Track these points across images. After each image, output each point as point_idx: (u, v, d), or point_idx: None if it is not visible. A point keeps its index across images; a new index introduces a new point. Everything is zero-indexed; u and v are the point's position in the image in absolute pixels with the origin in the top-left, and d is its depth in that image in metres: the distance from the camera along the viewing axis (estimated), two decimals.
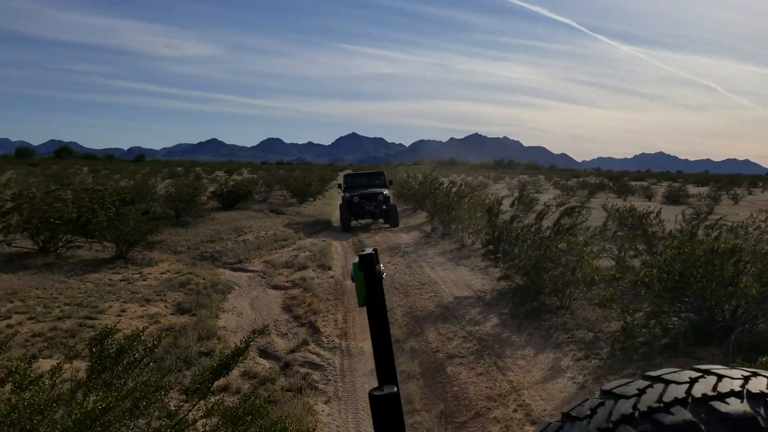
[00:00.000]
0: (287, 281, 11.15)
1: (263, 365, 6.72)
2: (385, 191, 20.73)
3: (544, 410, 5.07)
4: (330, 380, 6.42)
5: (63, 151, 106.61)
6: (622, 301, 6.69)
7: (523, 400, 5.29)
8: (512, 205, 22.57)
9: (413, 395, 5.70)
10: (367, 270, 1.48)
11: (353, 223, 19.53)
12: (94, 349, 2.68)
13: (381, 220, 20.42)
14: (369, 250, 1.51)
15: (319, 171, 56.44)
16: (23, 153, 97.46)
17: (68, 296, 8.48)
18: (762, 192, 46.23)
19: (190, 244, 14.31)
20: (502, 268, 9.04)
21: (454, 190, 17.96)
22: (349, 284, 11.07)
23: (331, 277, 11.43)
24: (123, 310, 8.00)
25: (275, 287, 10.81)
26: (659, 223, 12.06)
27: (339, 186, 22.04)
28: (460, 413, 5.23)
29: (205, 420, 2.58)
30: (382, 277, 1.51)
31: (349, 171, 27.82)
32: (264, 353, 7.19)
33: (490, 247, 9.77)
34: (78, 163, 68.62)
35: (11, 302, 7.98)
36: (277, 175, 38.21)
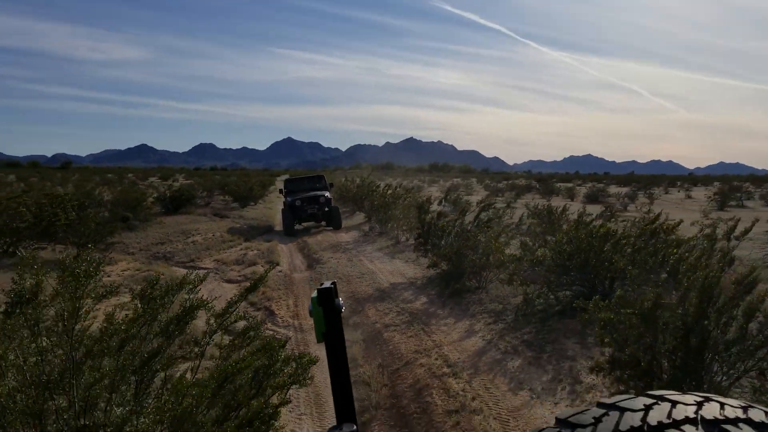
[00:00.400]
0: (239, 275, 12.36)
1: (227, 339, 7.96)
2: (327, 194, 20.95)
3: (459, 359, 6.58)
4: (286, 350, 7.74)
5: None
6: (523, 277, 8.33)
7: (443, 353, 6.79)
8: (440, 203, 24.49)
9: (357, 355, 7.12)
10: (326, 304, 1.46)
11: (296, 226, 19.95)
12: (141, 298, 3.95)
13: (323, 223, 20.71)
14: (328, 284, 1.50)
15: (257, 176, 57.08)
16: None
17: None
18: (678, 191, 50.18)
19: (142, 246, 15.22)
20: (431, 257, 10.61)
21: (389, 192, 19.51)
22: (297, 276, 12.39)
23: (280, 271, 12.71)
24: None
25: (229, 281, 12.01)
26: (565, 217, 14.00)
27: (280, 191, 22.37)
28: (394, 364, 6.69)
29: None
30: (341, 311, 1.47)
31: (288, 176, 28.17)
32: (228, 331, 8.42)
33: (421, 239, 11.32)
34: (2, 170, 65.97)
35: None
36: (214, 180, 38.84)
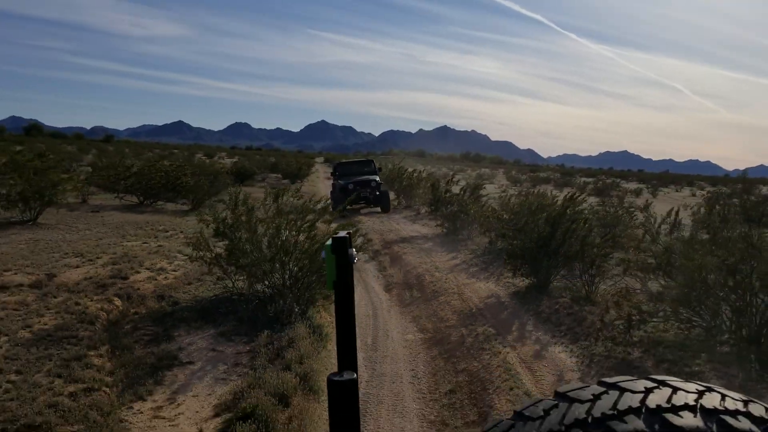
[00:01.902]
0: None
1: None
2: (377, 178, 22.13)
3: (443, 267, 11.83)
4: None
5: (32, 129, 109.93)
6: (492, 230, 13.52)
7: (435, 264, 12.07)
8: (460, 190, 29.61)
9: (386, 264, 12.48)
10: (339, 253, 1.53)
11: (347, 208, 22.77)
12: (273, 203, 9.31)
13: (372, 206, 21.91)
14: (343, 233, 1.59)
15: (296, 158, 62.74)
16: None
17: (171, 224, 14.90)
18: (689, 190, 54.22)
19: (219, 210, 20.77)
20: (438, 219, 15.91)
21: (415, 175, 24.77)
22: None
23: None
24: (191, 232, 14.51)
25: None
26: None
27: (332, 173, 24.03)
28: (406, 267, 12.01)
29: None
30: (354, 262, 1.54)
31: (323, 159, 30.45)
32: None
33: (433, 207, 16.60)
34: (50, 141, 72.26)
35: (145, 226, 14.44)
36: (264, 160, 44.56)
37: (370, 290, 10.35)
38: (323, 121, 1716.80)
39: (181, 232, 13.51)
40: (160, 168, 17.41)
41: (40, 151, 15.91)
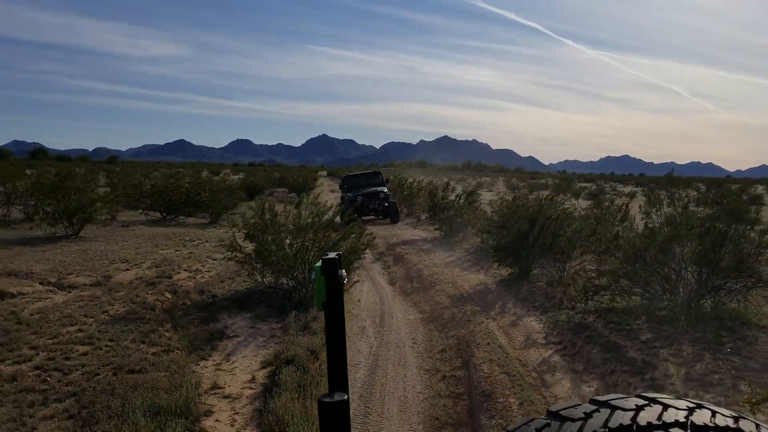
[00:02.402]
0: None
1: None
2: (385, 189, 22.42)
3: (440, 263, 13.50)
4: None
5: (38, 152, 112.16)
6: (482, 230, 15.18)
7: (433, 261, 13.74)
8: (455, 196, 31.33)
9: (390, 263, 14.16)
10: (329, 274, 1.50)
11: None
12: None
13: (381, 218, 22.23)
14: (332, 255, 1.55)
15: (299, 172, 64.60)
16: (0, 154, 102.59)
17: (196, 235, 16.61)
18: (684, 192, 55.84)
19: (248, 217, 22.49)
20: (436, 223, 17.60)
21: (415, 185, 26.48)
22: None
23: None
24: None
25: None
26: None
27: (340, 186, 24.44)
28: (407, 265, 13.69)
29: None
30: (344, 283, 1.52)
31: (349, 173, 30.53)
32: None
33: (431, 212, 18.31)
34: (56, 164, 74.00)
35: (174, 237, 16.14)
36: (271, 176, 46.47)
37: (376, 284, 12.03)
38: (324, 135, 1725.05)
39: (207, 241, 15.24)
40: (181, 186, 19.18)
41: (66, 173, 17.64)
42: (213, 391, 6.00)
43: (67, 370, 5.96)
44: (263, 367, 6.76)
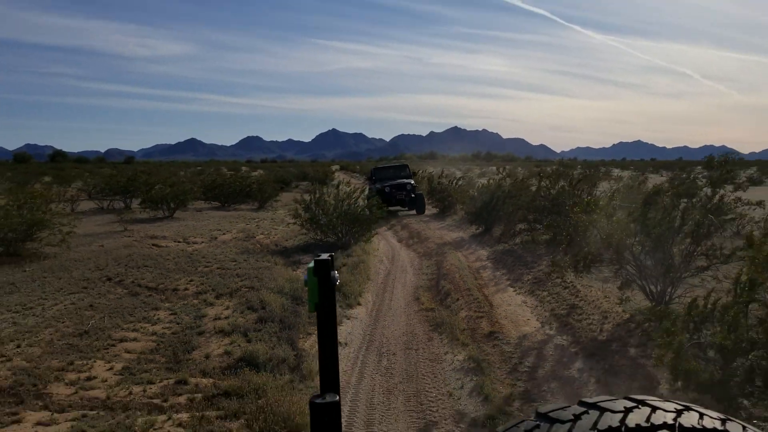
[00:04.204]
0: None
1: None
2: (412, 181, 23.97)
3: (434, 228, 19.39)
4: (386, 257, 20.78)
5: (57, 155, 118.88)
6: (468, 206, 21.04)
7: (429, 227, 19.65)
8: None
9: (398, 230, 20.11)
10: (321, 276, 1.55)
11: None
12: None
13: (408, 209, 23.95)
14: (324, 256, 1.60)
15: (313, 167, 70.59)
16: (21, 158, 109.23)
17: (250, 217, 22.54)
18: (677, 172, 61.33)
19: (287, 201, 28.51)
20: (435, 203, 23.55)
21: (420, 173, 32.34)
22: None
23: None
24: (273, 220, 22.26)
25: None
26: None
27: (368, 178, 26.56)
28: (411, 230, 19.63)
29: None
30: (336, 284, 1.57)
31: (377, 165, 32.24)
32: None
33: (429, 195, 24.24)
34: (76, 165, 79.00)
35: (237, 217, 22.13)
36: (280, 172, 52.62)
37: (389, 242, 17.94)
38: (334, 130, 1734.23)
39: (263, 219, 21.29)
40: (235, 180, 25.21)
41: (132, 174, 23.71)
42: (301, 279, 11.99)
43: (231, 271, 11.93)
44: None
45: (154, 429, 4.99)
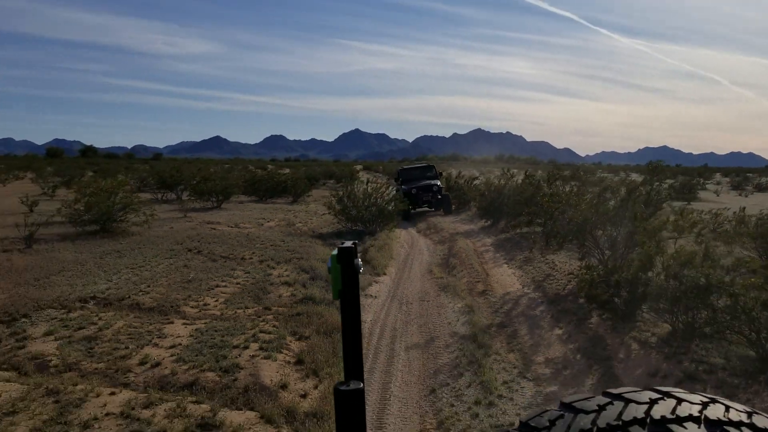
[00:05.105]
0: None
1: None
2: (438, 182, 24.38)
3: (449, 221, 22.31)
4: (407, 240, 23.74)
5: (87, 151, 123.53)
6: (480, 203, 23.90)
7: (444, 220, 22.58)
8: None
9: (418, 222, 23.10)
10: (345, 263, 1.57)
11: (411, 212, 23.76)
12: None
13: (433, 209, 24.52)
14: (348, 243, 1.61)
15: (337, 167, 73.62)
16: (53, 153, 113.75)
17: (287, 209, 25.62)
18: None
19: (317, 196, 31.60)
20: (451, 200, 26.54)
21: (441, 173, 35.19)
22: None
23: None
24: (307, 212, 25.33)
25: None
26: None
27: (396, 179, 26.88)
28: (429, 222, 22.59)
29: None
30: (360, 272, 1.59)
31: (403, 166, 31.98)
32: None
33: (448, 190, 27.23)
34: (108, 161, 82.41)
35: (275, 209, 25.22)
36: (305, 170, 55.83)
37: (409, 231, 20.89)
38: (357, 130, 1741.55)
39: (298, 212, 24.39)
40: (271, 176, 28.38)
41: (177, 168, 26.93)
42: None
43: (282, 248, 14.96)
44: None
45: (258, 327, 8.03)
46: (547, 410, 1.11)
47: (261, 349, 7.16)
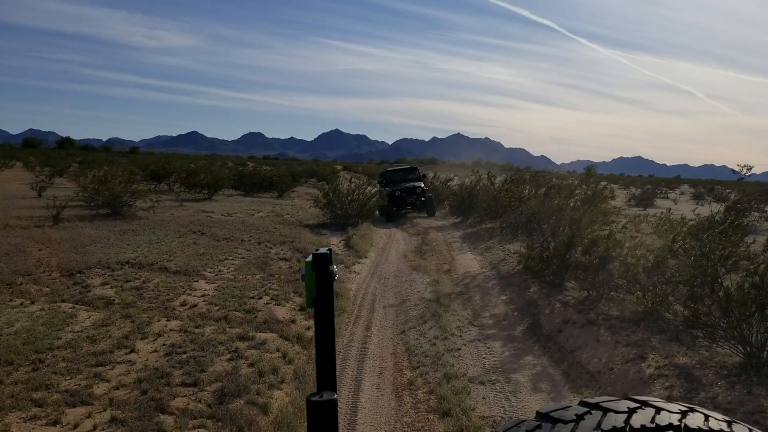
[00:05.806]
0: None
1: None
2: (422, 184, 24.83)
3: (423, 218, 24.62)
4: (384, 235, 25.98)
5: (64, 142, 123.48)
6: (453, 202, 26.23)
7: (422, 220, 24.90)
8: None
9: (406, 221, 25.41)
10: (319, 270, 1.55)
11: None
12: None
13: (418, 211, 25.09)
14: (323, 250, 1.61)
15: (320, 166, 75.64)
16: (30, 143, 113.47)
17: (274, 203, 27.73)
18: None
19: (300, 192, 33.71)
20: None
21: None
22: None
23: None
24: (293, 206, 27.48)
25: None
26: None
27: (378, 181, 27.14)
28: (405, 219, 24.90)
29: None
30: (334, 279, 1.56)
31: (386, 168, 31.87)
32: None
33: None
34: (83, 153, 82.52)
35: (263, 203, 27.31)
36: (286, 168, 57.99)
37: (386, 225, 23.15)
38: (337, 130, 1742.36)
39: (284, 206, 26.52)
40: (258, 172, 30.45)
41: (166, 161, 28.89)
42: (325, 242, 17.18)
43: (275, 233, 17.11)
44: (340, 240, 17.91)
45: (266, 286, 10.22)
46: (523, 421, 1.10)
47: (272, 299, 9.38)
